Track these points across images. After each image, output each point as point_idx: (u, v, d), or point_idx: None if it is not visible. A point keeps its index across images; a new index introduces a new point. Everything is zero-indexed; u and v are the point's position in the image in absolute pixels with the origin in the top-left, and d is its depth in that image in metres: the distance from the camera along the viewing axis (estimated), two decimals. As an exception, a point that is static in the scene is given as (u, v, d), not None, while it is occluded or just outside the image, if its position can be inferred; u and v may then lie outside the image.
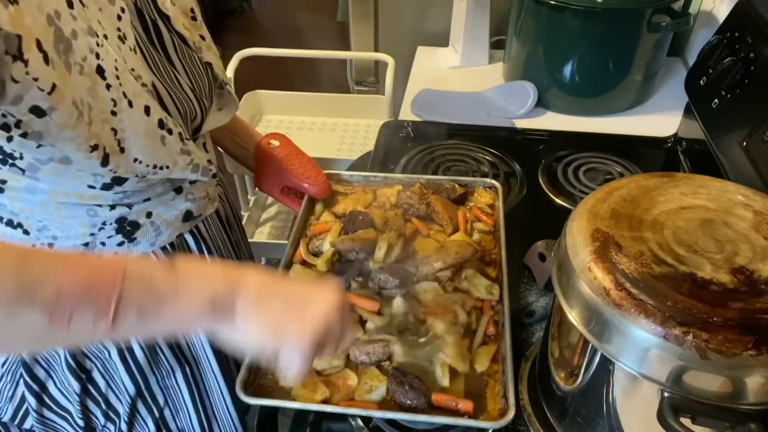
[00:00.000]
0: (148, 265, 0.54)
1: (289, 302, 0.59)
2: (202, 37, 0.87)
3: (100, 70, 0.64)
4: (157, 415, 0.96)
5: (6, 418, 0.95)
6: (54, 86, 0.60)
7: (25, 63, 0.57)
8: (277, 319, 0.57)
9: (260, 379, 0.77)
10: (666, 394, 0.58)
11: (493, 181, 1.05)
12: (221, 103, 0.93)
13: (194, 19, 0.86)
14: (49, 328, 0.49)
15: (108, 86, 0.65)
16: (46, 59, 0.59)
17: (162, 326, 0.55)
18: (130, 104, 0.67)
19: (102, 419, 0.94)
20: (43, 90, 0.59)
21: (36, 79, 0.59)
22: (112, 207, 0.77)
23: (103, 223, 0.78)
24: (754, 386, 0.55)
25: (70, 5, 0.61)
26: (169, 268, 0.54)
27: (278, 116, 2.07)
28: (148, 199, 0.80)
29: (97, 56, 0.64)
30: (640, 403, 0.63)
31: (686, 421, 0.57)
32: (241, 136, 1.04)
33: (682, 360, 0.56)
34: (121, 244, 0.81)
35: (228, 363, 1.01)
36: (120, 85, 0.66)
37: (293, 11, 4.53)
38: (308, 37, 3.99)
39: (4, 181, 0.71)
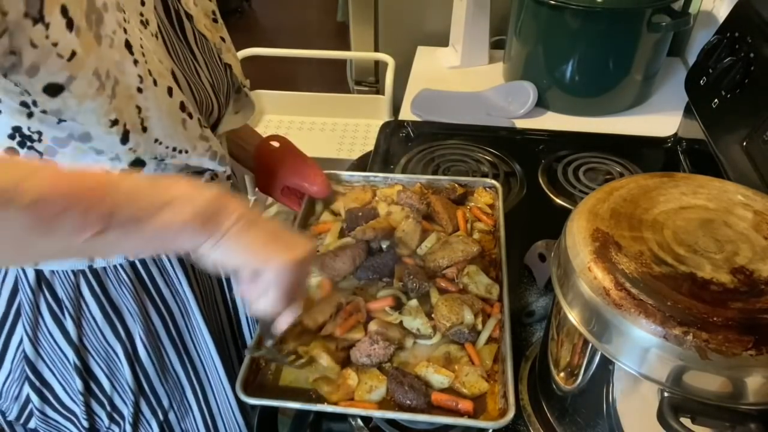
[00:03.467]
0: (132, 177, 0.56)
1: (274, 233, 0.59)
2: (223, 39, 0.87)
3: (128, 45, 0.65)
4: (161, 417, 0.95)
5: (11, 417, 0.95)
6: (73, 53, 0.59)
7: (46, 26, 0.56)
8: (263, 242, 0.58)
9: (260, 379, 0.77)
10: (666, 394, 0.58)
11: (493, 181, 1.05)
12: (238, 106, 0.93)
13: (215, 21, 0.87)
14: (31, 231, 0.48)
15: (135, 62, 0.65)
16: (70, 25, 0.58)
17: (147, 238, 0.53)
18: (155, 83, 0.68)
19: (106, 421, 0.94)
20: (62, 57, 0.58)
21: (55, 44, 0.58)
22: None
23: None
24: (754, 386, 0.55)
25: None
26: (155, 182, 0.54)
27: (278, 116, 2.07)
28: None
29: (125, 31, 0.64)
30: (640, 403, 0.63)
31: (686, 421, 0.57)
32: (243, 137, 1.04)
33: (682, 360, 0.56)
34: None
35: (232, 363, 1.01)
36: (146, 62, 0.67)
37: (293, 11, 4.53)
38: (308, 37, 3.99)
39: None
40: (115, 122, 0.66)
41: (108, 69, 0.63)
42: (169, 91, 0.70)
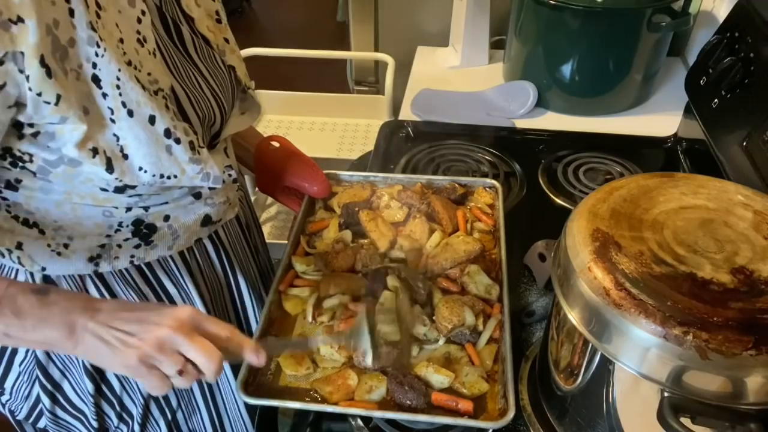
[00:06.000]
0: (22, 294, 0.62)
1: (127, 322, 0.63)
2: (227, 40, 0.86)
3: (95, 79, 0.64)
4: (169, 416, 0.96)
5: (21, 417, 0.95)
6: (59, 97, 0.61)
7: (27, 78, 0.59)
8: (111, 345, 0.63)
9: (260, 379, 0.77)
10: (666, 394, 0.58)
11: (493, 181, 1.05)
12: (244, 107, 0.93)
13: (219, 21, 0.86)
14: None
15: (104, 95, 0.65)
16: (49, 73, 0.60)
17: (29, 344, 0.66)
18: (131, 114, 0.67)
19: (115, 420, 0.94)
20: (49, 103, 0.61)
21: (39, 94, 0.60)
22: (128, 209, 0.76)
23: (120, 225, 0.77)
24: (754, 386, 0.55)
25: (71, 14, 0.61)
26: (41, 300, 0.62)
27: (278, 116, 2.07)
28: (166, 203, 0.79)
29: (94, 66, 0.64)
30: (640, 403, 0.63)
31: (686, 421, 0.57)
32: (244, 136, 1.04)
33: (682, 360, 0.56)
34: (137, 246, 0.81)
35: (240, 363, 1.01)
36: (120, 95, 0.66)
37: (293, 11, 4.53)
38: (308, 37, 3.99)
39: (19, 180, 0.70)
40: (95, 151, 0.66)
41: (79, 100, 0.64)
42: (151, 119, 0.68)
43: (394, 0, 1.92)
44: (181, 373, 0.63)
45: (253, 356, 0.67)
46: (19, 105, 0.61)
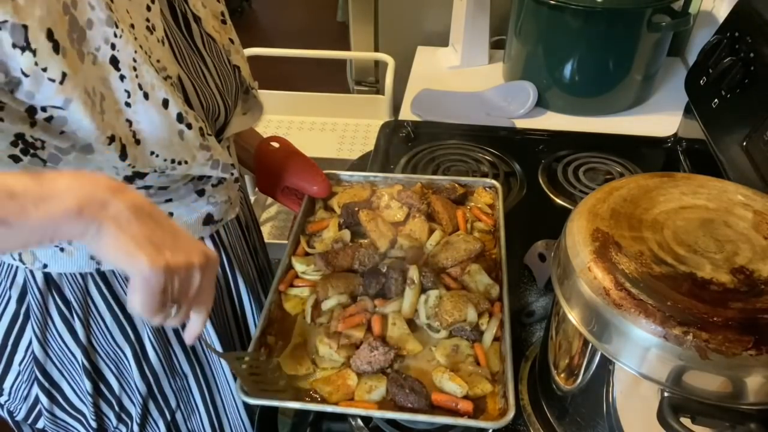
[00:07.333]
0: (11, 176, 0.51)
1: (160, 227, 0.56)
2: (231, 41, 0.87)
3: (114, 61, 0.64)
4: (168, 417, 0.96)
5: (19, 417, 0.95)
6: (64, 75, 0.59)
7: (33, 53, 0.57)
8: (136, 241, 0.53)
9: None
10: (666, 394, 0.58)
11: (493, 181, 1.05)
12: (246, 107, 0.93)
13: (224, 22, 0.86)
14: None
15: (122, 77, 0.65)
16: (56, 48, 0.58)
17: (32, 232, 0.51)
18: (146, 96, 0.67)
19: (114, 421, 0.94)
20: (54, 80, 0.59)
21: (45, 69, 0.58)
22: None
23: None
24: (754, 386, 0.55)
25: None
26: (37, 176, 0.52)
27: (278, 116, 2.07)
28: (170, 200, 0.80)
29: (113, 47, 0.63)
30: (640, 403, 0.63)
31: (686, 421, 0.57)
32: (244, 137, 1.04)
33: (682, 360, 0.56)
34: None
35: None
36: (136, 77, 0.66)
37: (293, 11, 4.53)
38: (308, 37, 3.99)
39: None
40: (111, 138, 0.66)
41: (94, 86, 0.63)
42: (165, 103, 0.69)
43: (394, 0, 1.92)
44: (179, 307, 0.59)
45: (189, 336, 0.64)
46: (10, 77, 0.58)
